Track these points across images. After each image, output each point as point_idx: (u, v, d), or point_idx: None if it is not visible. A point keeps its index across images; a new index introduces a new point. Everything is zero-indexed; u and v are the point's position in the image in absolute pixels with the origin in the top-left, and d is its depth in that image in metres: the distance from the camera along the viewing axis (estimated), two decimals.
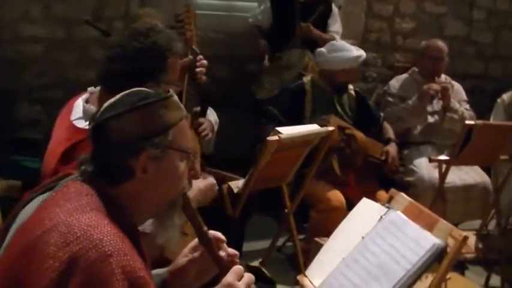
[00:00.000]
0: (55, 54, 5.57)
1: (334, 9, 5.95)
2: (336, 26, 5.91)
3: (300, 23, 5.60)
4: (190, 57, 3.43)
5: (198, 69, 3.40)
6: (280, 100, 4.97)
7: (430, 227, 2.38)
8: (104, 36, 4.39)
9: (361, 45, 5.90)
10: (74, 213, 1.70)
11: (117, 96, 1.88)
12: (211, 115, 4.03)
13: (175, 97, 1.90)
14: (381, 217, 2.51)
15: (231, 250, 2.00)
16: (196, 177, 2.07)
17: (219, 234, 1.99)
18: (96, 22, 4.65)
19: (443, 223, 2.38)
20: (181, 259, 2.06)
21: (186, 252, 2.06)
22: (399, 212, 2.49)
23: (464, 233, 2.30)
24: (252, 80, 5.75)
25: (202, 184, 3.13)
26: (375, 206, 2.61)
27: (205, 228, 1.95)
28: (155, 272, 2.03)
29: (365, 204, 2.70)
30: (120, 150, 1.79)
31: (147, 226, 1.99)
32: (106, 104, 1.85)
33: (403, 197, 2.60)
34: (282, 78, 5.53)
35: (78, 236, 1.63)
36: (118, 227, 1.72)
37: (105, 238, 1.64)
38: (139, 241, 1.81)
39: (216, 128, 4.21)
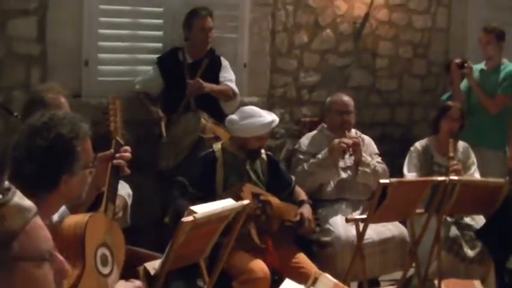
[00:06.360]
0: None
1: (224, 61, 5.80)
2: (227, 74, 5.74)
3: (189, 81, 5.47)
4: (112, 151, 3.27)
5: (116, 162, 3.22)
6: (189, 169, 4.80)
7: None
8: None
9: (267, 102, 5.91)
10: None
11: None
12: (123, 189, 3.90)
13: (14, 198, 1.62)
14: None
15: None
16: (65, 276, 1.80)
17: None
18: None
19: None
20: None
21: None
22: None
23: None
24: (156, 143, 5.56)
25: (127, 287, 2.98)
26: None
27: None
28: None
29: (288, 286, 2.62)
30: None
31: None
32: None
33: (327, 278, 2.55)
34: (181, 145, 5.39)
35: None
36: None
37: None
38: None
39: (130, 201, 4.07)
